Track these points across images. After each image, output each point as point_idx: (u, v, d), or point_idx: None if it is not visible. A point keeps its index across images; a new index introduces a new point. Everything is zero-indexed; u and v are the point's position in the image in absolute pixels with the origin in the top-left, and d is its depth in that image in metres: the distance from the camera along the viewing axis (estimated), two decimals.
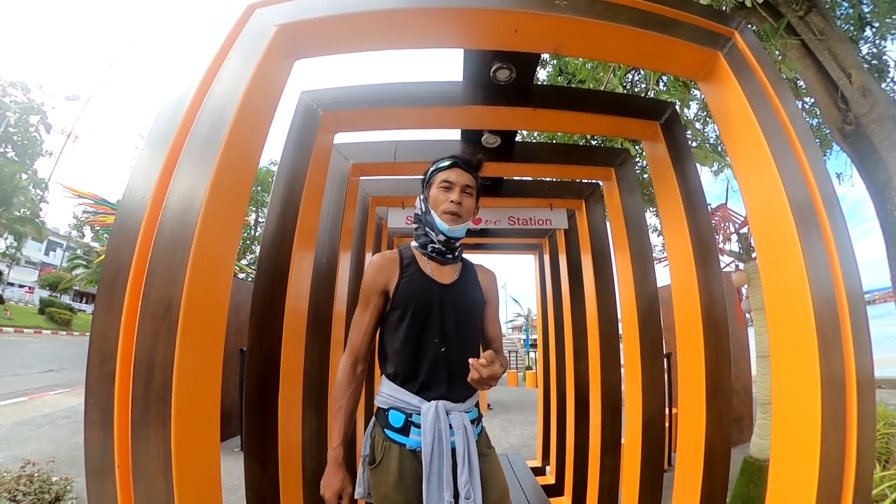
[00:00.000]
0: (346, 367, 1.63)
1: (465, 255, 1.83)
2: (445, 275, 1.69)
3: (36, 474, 3.69)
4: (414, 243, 1.76)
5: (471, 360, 1.40)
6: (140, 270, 1.20)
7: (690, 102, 4.21)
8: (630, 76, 6.25)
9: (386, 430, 1.55)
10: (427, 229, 1.69)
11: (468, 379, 1.41)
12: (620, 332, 3.12)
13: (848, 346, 1.38)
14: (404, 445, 1.52)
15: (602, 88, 4.84)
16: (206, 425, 1.25)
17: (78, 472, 4.08)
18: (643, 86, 5.97)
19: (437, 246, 1.67)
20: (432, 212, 1.67)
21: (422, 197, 1.75)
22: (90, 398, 1.15)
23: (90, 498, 1.12)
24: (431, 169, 1.74)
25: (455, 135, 3.02)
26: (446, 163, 1.70)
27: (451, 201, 1.63)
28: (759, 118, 1.63)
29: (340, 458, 1.54)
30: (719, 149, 6.29)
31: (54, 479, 3.74)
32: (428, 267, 1.68)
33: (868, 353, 1.40)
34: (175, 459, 1.09)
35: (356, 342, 1.65)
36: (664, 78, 4.97)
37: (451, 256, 1.70)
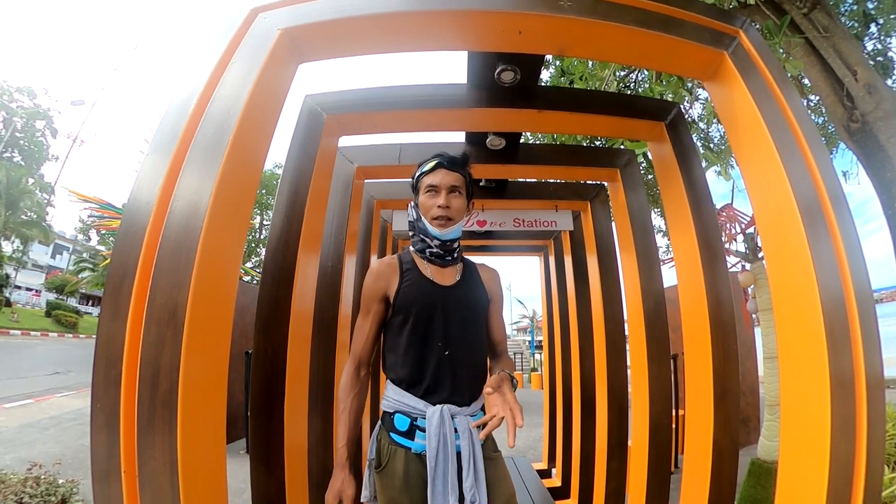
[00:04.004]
0: (350, 372, 1.64)
1: (467, 256, 1.82)
2: (447, 277, 1.68)
3: (42, 477, 3.71)
4: (412, 248, 1.75)
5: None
6: (145, 275, 1.20)
7: (685, 98, 4.19)
8: (634, 75, 6.24)
9: (391, 434, 1.55)
10: (421, 235, 1.69)
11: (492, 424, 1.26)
12: (626, 333, 3.11)
13: (857, 345, 1.37)
14: (409, 449, 1.52)
15: (604, 85, 4.83)
16: (212, 430, 1.25)
17: (84, 474, 4.09)
18: (646, 86, 5.95)
19: (434, 250, 1.67)
20: (423, 218, 1.67)
21: (412, 203, 1.74)
22: (96, 402, 1.15)
23: (97, 502, 1.12)
24: (417, 174, 1.72)
25: (459, 137, 3.02)
26: (430, 165, 1.67)
27: (439, 206, 1.62)
28: (765, 117, 1.62)
29: (343, 458, 1.54)
30: (718, 149, 6.27)
31: (60, 481, 3.75)
32: (428, 270, 1.67)
33: (877, 352, 1.39)
34: (181, 464, 1.09)
35: (359, 348, 1.65)
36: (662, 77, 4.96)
37: (450, 258, 1.69)
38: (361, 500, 1.58)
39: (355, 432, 1.61)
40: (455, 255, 1.71)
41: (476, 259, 1.88)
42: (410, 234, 1.76)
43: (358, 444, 1.65)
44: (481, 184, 3.61)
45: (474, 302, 1.70)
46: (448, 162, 1.66)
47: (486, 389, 1.35)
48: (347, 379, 1.63)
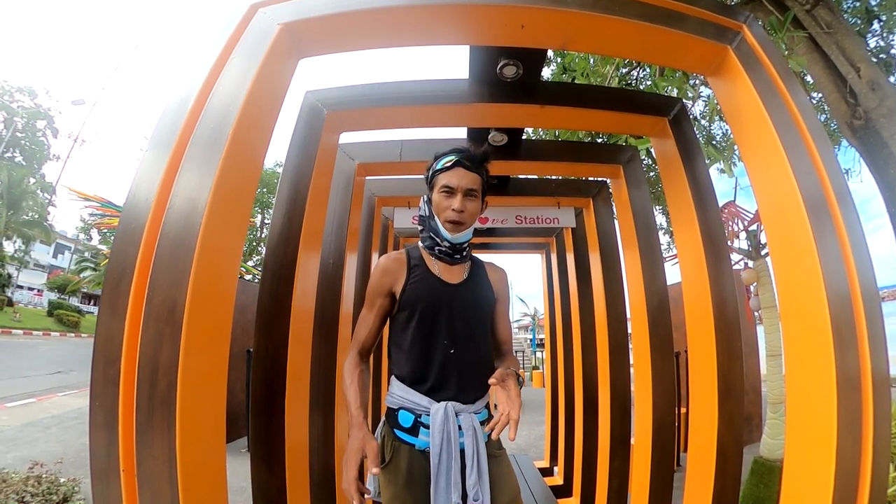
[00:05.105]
0: (353, 355, 1.61)
1: (474, 254, 1.80)
2: (454, 274, 1.66)
3: (44, 475, 3.70)
4: (421, 243, 1.73)
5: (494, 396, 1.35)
6: (144, 273, 1.19)
7: (689, 95, 4.17)
8: (635, 73, 6.22)
9: (395, 431, 1.54)
10: (432, 234, 1.66)
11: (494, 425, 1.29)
12: (629, 330, 3.09)
13: (863, 343, 1.35)
14: (413, 446, 1.51)
15: (606, 82, 4.81)
16: (212, 428, 1.24)
17: (86, 473, 4.05)
18: (649, 83, 5.94)
19: (443, 248, 1.64)
20: (436, 217, 1.63)
21: (425, 198, 1.70)
22: (95, 401, 1.14)
23: (96, 501, 1.11)
24: (434, 168, 1.65)
25: (461, 133, 3.00)
26: (448, 162, 1.60)
27: (453, 209, 1.56)
28: (769, 112, 1.61)
29: (360, 420, 1.43)
30: (721, 146, 6.25)
31: (62, 480, 3.75)
32: (436, 267, 1.65)
33: (883, 350, 1.38)
34: (180, 463, 1.07)
35: (361, 337, 1.64)
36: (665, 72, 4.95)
37: (459, 257, 1.67)
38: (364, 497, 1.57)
39: (365, 398, 1.53)
40: (464, 253, 1.69)
41: (481, 257, 1.86)
42: (420, 229, 1.73)
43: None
44: None
45: (481, 301, 1.68)
46: (467, 161, 1.60)
47: (491, 380, 1.37)
48: (350, 361, 1.59)
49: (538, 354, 24.10)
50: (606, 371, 3.37)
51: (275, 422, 1.83)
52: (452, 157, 1.60)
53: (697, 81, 4.85)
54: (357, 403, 1.48)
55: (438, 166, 1.63)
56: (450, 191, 1.58)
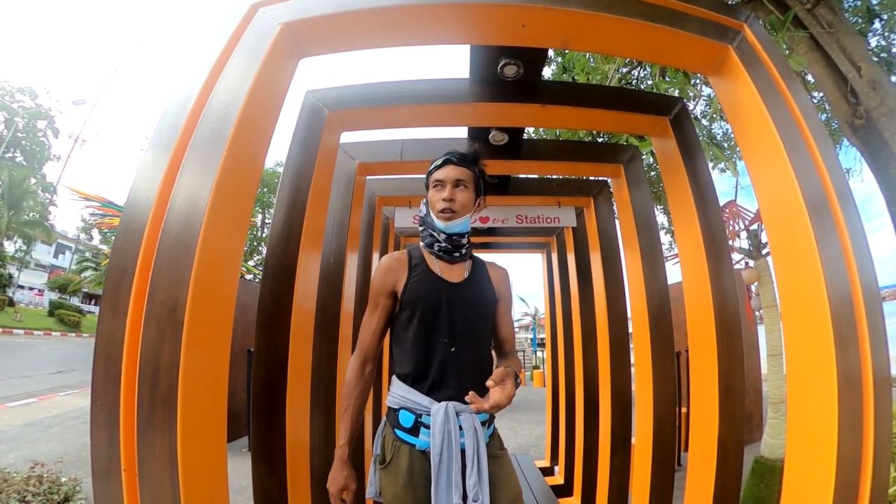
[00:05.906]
0: (355, 368, 1.63)
1: (475, 254, 1.81)
2: (455, 273, 1.67)
3: (45, 475, 3.70)
4: (422, 243, 1.74)
5: (480, 395, 1.35)
6: (145, 272, 1.19)
7: (690, 94, 4.16)
8: (636, 72, 6.22)
9: (396, 431, 1.54)
10: (430, 230, 1.69)
11: (477, 408, 1.33)
12: (630, 330, 3.09)
13: (864, 343, 1.35)
14: (414, 446, 1.51)
15: (607, 80, 4.81)
16: (213, 428, 1.24)
17: (87, 472, 4.04)
18: (649, 83, 5.93)
19: (442, 245, 1.66)
20: (431, 213, 1.68)
21: (424, 200, 1.75)
22: (96, 401, 1.14)
23: (97, 501, 1.11)
24: (428, 171, 1.73)
25: (462, 132, 3.01)
26: (439, 162, 1.68)
27: (443, 199, 1.62)
28: (770, 112, 1.61)
29: (345, 456, 1.56)
30: (721, 146, 6.25)
31: (63, 479, 3.75)
32: (437, 266, 1.66)
33: (884, 350, 1.38)
34: (181, 462, 1.08)
35: (365, 343, 1.65)
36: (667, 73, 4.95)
37: (458, 255, 1.68)
38: (367, 496, 1.58)
39: (357, 431, 1.61)
40: (464, 251, 1.71)
41: (482, 257, 1.87)
42: (421, 229, 1.76)
43: (358, 440, 1.65)
44: None
45: (481, 299, 1.69)
46: (457, 158, 1.67)
47: (489, 382, 1.36)
48: (352, 376, 1.63)
49: (539, 354, 24.08)
50: (607, 370, 3.37)
51: (276, 421, 1.83)
52: (443, 158, 1.68)
53: (698, 81, 4.86)
54: (347, 437, 1.58)
55: (432, 166, 1.71)
56: (440, 184, 1.66)
